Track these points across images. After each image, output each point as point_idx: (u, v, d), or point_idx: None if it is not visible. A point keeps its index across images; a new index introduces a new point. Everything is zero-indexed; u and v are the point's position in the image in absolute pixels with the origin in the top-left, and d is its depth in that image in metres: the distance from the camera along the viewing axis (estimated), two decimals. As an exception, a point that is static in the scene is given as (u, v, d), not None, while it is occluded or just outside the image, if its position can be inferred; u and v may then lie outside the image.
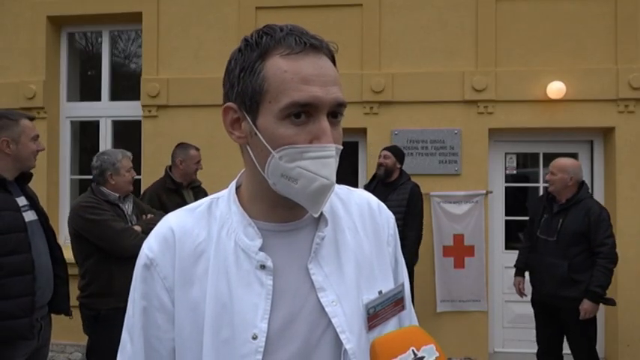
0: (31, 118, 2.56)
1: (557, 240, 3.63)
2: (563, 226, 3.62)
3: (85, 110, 5.58)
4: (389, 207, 3.88)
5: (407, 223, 4.16)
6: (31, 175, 2.62)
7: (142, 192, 4.22)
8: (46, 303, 2.56)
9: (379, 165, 4.33)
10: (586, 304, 3.47)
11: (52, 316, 2.69)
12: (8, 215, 2.34)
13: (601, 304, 3.60)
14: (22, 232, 2.37)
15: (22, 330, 2.34)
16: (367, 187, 4.30)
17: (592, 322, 3.61)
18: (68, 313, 2.74)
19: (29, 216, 2.49)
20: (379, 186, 4.31)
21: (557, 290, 3.60)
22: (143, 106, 5.16)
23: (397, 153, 4.38)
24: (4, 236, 2.30)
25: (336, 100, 0.83)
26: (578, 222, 3.57)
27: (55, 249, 2.63)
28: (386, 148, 4.41)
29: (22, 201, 2.48)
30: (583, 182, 3.74)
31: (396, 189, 4.25)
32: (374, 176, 4.45)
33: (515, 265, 4.08)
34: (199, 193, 4.01)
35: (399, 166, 4.35)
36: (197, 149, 4.02)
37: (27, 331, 2.35)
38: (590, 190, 3.77)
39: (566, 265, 3.56)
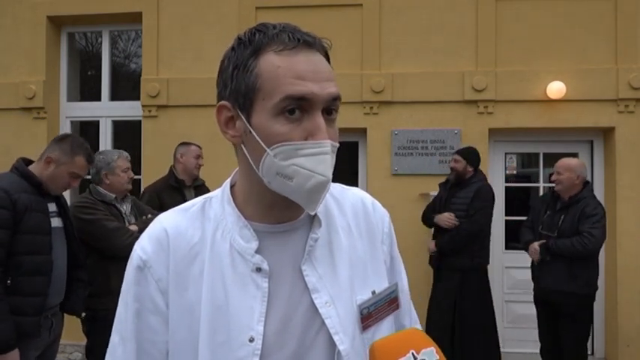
0: (90, 161, 2.72)
1: (557, 236, 3.76)
2: (564, 222, 3.76)
3: (85, 110, 5.58)
4: (452, 204, 3.86)
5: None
6: None
7: (141, 192, 4.21)
8: (55, 305, 2.65)
9: (450, 169, 4.25)
10: (536, 245, 3.77)
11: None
12: (37, 216, 2.47)
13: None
14: (47, 235, 2.51)
15: (29, 327, 2.42)
16: (442, 187, 4.31)
17: (586, 320, 3.74)
18: (80, 315, 2.90)
19: (55, 222, 2.63)
20: (452, 185, 4.24)
21: (556, 285, 3.72)
22: (143, 106, 5.16)
23: (468, 156, 4.22)
24: (31, 236, 2.43)
25: (330, 94, 0.82)
26: (577, 218, 3.72)
27: (78, 254, 2.77)
28: (458, 152, 4.27)
29: (52, 207, 2.63)
30: (587, 181, 3.87)
31: (463, 188, 4.17)
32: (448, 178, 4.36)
33: (523, 241, 4.07)
34: (201, 192, 3.98)
35: (470, 168, 4.19)
36: (199, 146, 4.05)
37: (33, 329, 2.44)
38: (592, 190, 3.88)
39: (567, 260, 3.68)
